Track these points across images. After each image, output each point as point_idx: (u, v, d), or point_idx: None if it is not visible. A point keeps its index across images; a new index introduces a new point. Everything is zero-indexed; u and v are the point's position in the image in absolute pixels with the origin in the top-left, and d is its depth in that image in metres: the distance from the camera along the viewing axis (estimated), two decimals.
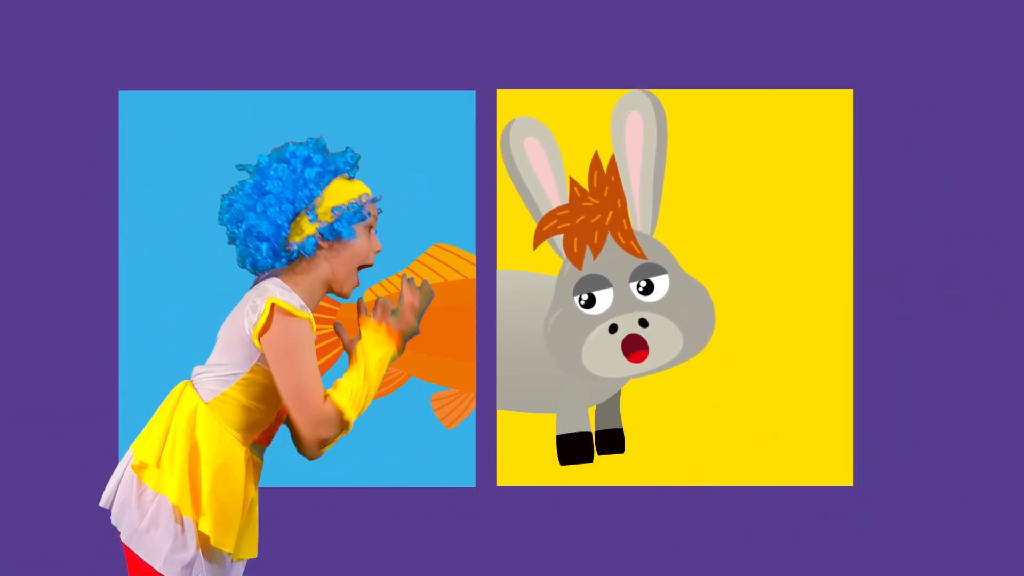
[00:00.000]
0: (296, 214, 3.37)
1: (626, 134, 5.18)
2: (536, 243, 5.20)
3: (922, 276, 5.19)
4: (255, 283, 3.43)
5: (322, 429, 3.33)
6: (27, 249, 5.16)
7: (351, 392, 3.36)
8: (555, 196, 5.19)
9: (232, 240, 3.41)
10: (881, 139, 5.20)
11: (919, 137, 5.20)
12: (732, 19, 5.21)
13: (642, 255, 5.19)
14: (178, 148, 5.16)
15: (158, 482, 3.33)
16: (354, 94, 5.19)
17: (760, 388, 5.18)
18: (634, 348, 5.18)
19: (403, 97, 5.19)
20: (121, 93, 5.17)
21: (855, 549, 5.17)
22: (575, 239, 5.17)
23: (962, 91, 5.19)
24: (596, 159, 5.18)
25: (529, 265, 5.21)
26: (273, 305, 3.29)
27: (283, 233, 3.36)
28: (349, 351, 3.45)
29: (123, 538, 3.35)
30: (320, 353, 5.14)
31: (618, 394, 5.22)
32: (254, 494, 3.46)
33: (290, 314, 3.30)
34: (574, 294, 5.20)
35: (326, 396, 3.34)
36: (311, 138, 3.44)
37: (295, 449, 3.47)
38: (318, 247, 3.39)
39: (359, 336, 3.45)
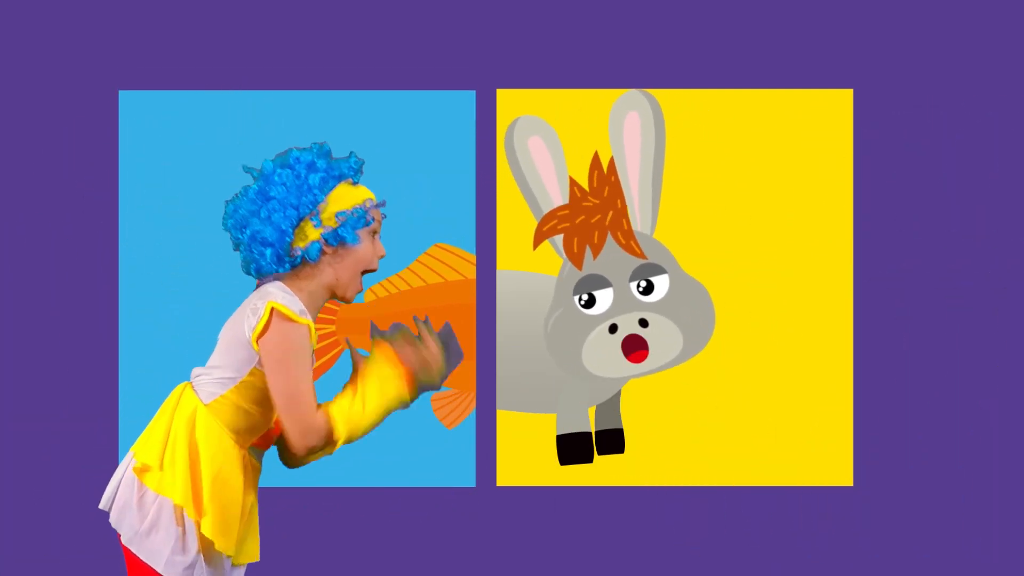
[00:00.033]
0: (300, 219, 3.37)
1: (624, 134, 5.18)
2: (536, 243, 5.19)
3: (922, 276, 5.19)
4: (258, 286, 3.43)
5: (310, 437, 3.33)
6: (27, 249, 5.16)
7: (346, 412, 3.36)
8: (557, 195, 5.18)
9: (237, 246, 3.42)
10: (881, 139, 5.20)
11: (919, 137, 5.20)
12: (732, 19, 5.21)
13: (642, 255, 5.18)
14: (178, 148, 5.16)
15: (160, 484, 3.34)
16: (354, 94, 5.18)
17: (760, 388, 5.18)
18: (634, 348, 5.18)
19: (403, 97, 5.19)
20: (121, 93, 5.17)
21: (855, 549, 5.18)
22: (575, 239, 5.17)
23: (962, 91, 5.19)
24: (596, 159, 5.17)
25: (529, 265, 5.21)
26: (273, 309, 3.30)
27: (287, 238, 3.36)
28: (355, 370, 3.44)
29: (123, 540, 3.35)
30: (319, 353, 5.14)
31: (618, 394, 5.22)
32: (253, 497, 3.46)
33: (289, 319, 3.30)
34: (574, 294, 5.19)
35: (320, 408, 3.35)
36: (315, 143, 3.44)
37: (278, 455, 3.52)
38: (322, 252, 3.39)
39: (370, 357, 3.44)
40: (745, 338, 5.19)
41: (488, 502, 5.18)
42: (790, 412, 5.18)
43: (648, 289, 5.19)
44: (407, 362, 3.43)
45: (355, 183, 3.44)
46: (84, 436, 5.14)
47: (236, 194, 3.42)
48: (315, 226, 3.38)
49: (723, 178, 5.20)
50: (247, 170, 3.43)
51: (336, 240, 3.39)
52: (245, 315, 3.34)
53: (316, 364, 4.95)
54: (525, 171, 5.18)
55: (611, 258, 5.18)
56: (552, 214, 5.18)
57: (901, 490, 5.18)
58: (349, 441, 3.37)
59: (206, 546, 3.35)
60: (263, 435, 3.48)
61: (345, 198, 3.40)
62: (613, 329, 5.18)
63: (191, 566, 3.33)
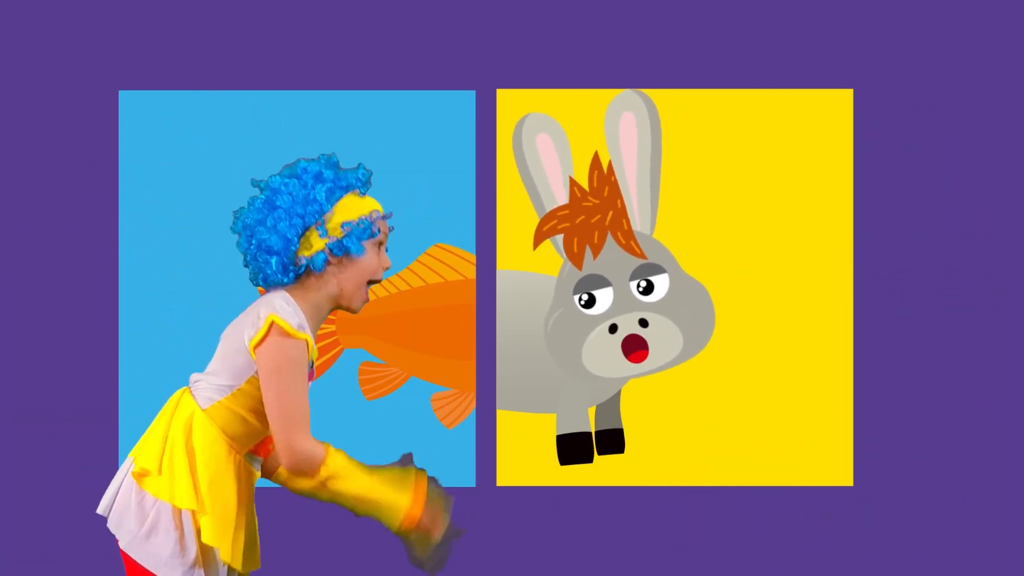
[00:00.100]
0: (306, 228, 3.38)
1: (620, 135, 5.18)
2: (536, 243, 5.19)
3: (922, 276, 5.19)
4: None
5: (295, 455, 3.33)
6: (27, 249, 5.16)
7: (345, 462, 3.38)
8: (561, 194, 5.18)
9: (244, 257, 3.43)
10: (881, 139, 5.21)
11: (919, 137, 5.20)
12: (732, 19, 5.21)
13: (642, 255, 5.19)
14: (178, 148, 5.15)
15: (159, 489, 3.35)
16: (354, 94, 5.18)
17: (760, 388, 5.19)
18: (634, 348, 5.18)
19: (403, 97, 5.19)
20: (121, 93, 5.16)
21: (855, 549, 5.18)
22: (575, 239, 5.17)
23: (962, 91, 5.20)
24: (596, 159, 5.17)
25: (529, 265, 5.21)
26: (272, 323, 3.31)
27: (292, 247, 3.37)
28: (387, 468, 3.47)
29: (122, 544, 3.37)
30: (319, 353, 5.14)
31: (618, 394, 5.22)
32: (250, 504, 3.48)
33: (287, 334, 3.32)
34: (574, 294, 5.20)
35: (322, 442, 3.36)
36: (323, 154, 3.46)
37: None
38: (327, 262, 3.40)
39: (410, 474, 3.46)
40: (745, 338, 5.19)
41: (488, 502, 5.19)
42: (790, 412, 5.18)
43: (648, 289, 5.19)
44: (423, 513, 3.44)
45: (363, 194, 3.45)
46: (84, 436, 5.14)
47: (243, 206, 3.44)
48: (320, 236, 3.38)
49: (724, 178, 5.20)
50: (255, 183, 3.45)
51: (340, 250, 3.39)
52: (246, 324, 3.35)
53: (316, 363, 4.95)
54: (531, 168, 5.17)
55: (611, 258, 5.18)
56: (552, 214, 5.18)
57: (901, 490, 5.18)
58: (327, 484, 3.36)
59: (205, 550, 3.36)
60: (261, 443, 3.50)
61: (351, 209, 3.41)
62: (613, 329, 5.19)
63: (190, 569, 3.34)
